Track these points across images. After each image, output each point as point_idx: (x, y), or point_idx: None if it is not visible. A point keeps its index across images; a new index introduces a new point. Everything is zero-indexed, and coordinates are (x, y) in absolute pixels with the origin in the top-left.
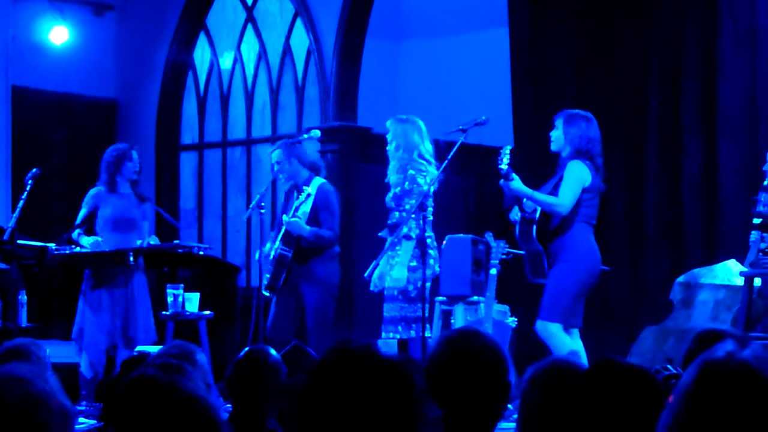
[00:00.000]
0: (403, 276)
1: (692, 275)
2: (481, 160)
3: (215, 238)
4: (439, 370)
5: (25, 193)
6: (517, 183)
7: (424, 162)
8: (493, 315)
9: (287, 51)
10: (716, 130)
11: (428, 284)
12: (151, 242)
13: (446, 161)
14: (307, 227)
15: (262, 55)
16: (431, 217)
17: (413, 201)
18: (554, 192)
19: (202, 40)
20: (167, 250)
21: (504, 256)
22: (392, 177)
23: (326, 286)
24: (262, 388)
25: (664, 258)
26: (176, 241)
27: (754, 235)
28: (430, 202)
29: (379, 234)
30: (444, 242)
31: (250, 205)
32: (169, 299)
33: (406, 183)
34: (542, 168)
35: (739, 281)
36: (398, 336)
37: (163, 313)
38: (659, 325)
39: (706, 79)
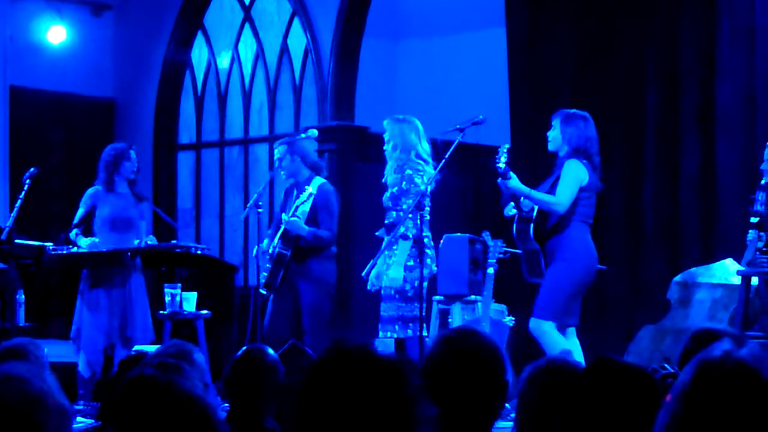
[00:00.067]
0: (400, 275)
1: (689, 274)
2: (478, 159)
3: (213, 237)
4: (437, 369)
5: (23, 192)
6: (514, 182)
7: (422, 162)
8: (490, 314)
9: (285, 50)
10: (714, 129)
11: (425, 283)
12: (149, 242)
13: (443, 160)
14: (306, 227)
15: (260, 54)
16: (428, 217)
17: (410, 201)
18: (551, 191)
19: (199, 39)
20: (165, 250)
21: (501, 256)
22: (389, 177)
23: (322, 285)
24: (260, 387)
25: (662, 257)
26: (174, 241)
27: (751, 234)
28: (427, 201)
29: (376, 233)
30: (441, 241)
31: (248, 205)
32: (167, 298)
33: (404, 183)
34: (539, 167)
35: (737, 280)
36: (395, 335)
37: (161, 312)
38: (656, 324)
39: (704, 78)
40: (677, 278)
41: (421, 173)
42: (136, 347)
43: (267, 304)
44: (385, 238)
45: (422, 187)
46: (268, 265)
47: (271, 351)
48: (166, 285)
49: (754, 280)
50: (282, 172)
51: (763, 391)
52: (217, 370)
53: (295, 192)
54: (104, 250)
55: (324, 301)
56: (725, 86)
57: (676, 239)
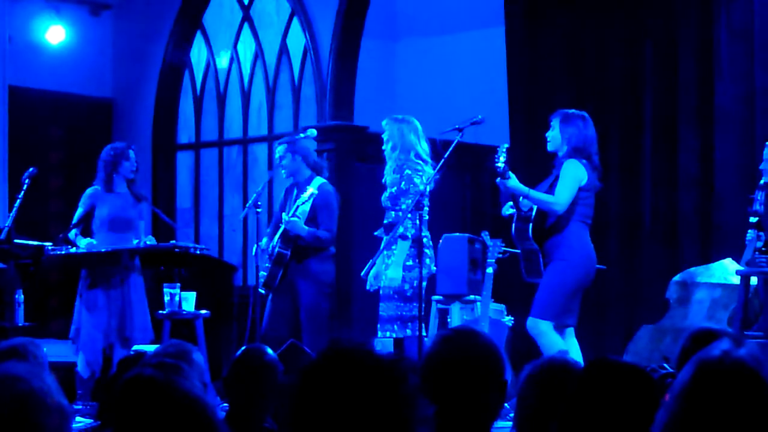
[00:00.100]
0: (398, 275)
1: (688, 274)
2: (477, 159)
3: (212, 237)
4: (436, 368)
5: (22, 192)
6: (513, 181)
7: (421, 162)
8: (489, 314)
9: (284, 50)
10: (713, 128)
11: (424, 283)
12: (148, 242)
13: (442, 160)
14: (305, 228)
15: (259, 54)
16: (427, 217)
17: (409, 201)
18: (550, 191)
19: (198, 39)
20: (163, 250)
21: (500, 255)
22: (388, 177)
23: (320, 285)
24: (259, 387)
25: (661, 257)
26: (173, 241)
27: (750, 233)
28: (426, 201)
29: (375, 233)
30: (440, 241)
31: (247, 205)
32: (166, 298)
33: (403, 183)
34: (538, 167)
35: (736, 280)
36: (394, 335)
37: (160, 312)
38: (655, 324)
39: (702, 78)
40: (676, 278)
41: (420, 173)
42: (135, 347)
43: (266, 304)
44: (384, 238)
45: (421, 187)
46: (267, 265)
47: (270, 351)
48: (165, 285)
49: (753, 280)
50: (283, 171)
51: (762, 391)
52: (216, 369)
53: (295, 191)
54: (103, 250)
55: (322, 301)
56: (724, 86)
57: (675, 239)
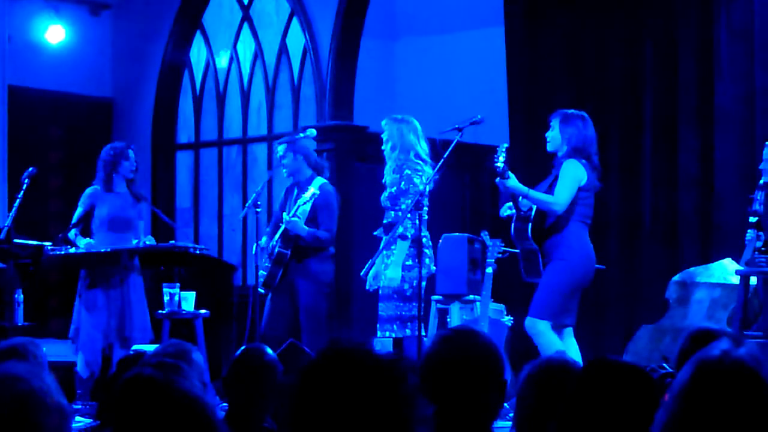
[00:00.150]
0: (398, 275)
1: (688, 274)
2: (476, 158)
3: (211, 237)
4: (435, 368)
5: (22, 192)
6: (512, 181)
7: (421, 162)
8: (489, 314)
9: (283, 50)
10: (712, 128)
11: (423, 283)
12: (147, 242)
13: (442, 160)
14: (306, 228)
15: (258, 54)
16: (426, 217)
17: (409, 201)
18: (550, 191)
19: (198, 39)
20: (163, 250)
21: (500, 255)
22: (388, 177)
23: (319, 285)
24: (259, 387)
25: (660, 256)
26: (172, 241)
27: (750, 233)
28: (425, 201)
29: (375, 233)
30: (440, 241)
31: (246, 204)
32: (166, 298)
33: (402, 183)
34: (538, 166)
35: (735, 280)
36: (393, 335)
37: (160, 311)
38: (655, 324)
39: (702, 78)
40: (676, 278)
41: (420, 173)
42: (135, 347)
43: (265, 304)
44: (384, 238)
45: (421, 187)
46: (267, 264)
47: (269, 350)
48: (164, 284)
49: (753, 280)
50: (284, 171)
51: (761, 391)
52: (216, 369)
53: (295, 191)
54: (102, 250)
55: (321, 301)
56: (724, 86)
57: (675, 239)
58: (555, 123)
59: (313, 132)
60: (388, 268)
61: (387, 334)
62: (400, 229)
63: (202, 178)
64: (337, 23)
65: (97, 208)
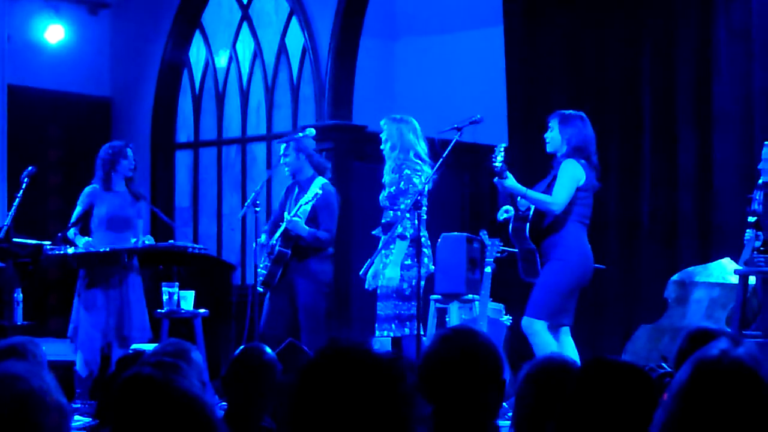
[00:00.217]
0: (396, 275)
1: (687, 273)
2: (475, 158)
3: (210, 236)
4: (434, 368)
5: (21, 191)
6: (510, 181)
7: (420, 162)
8: (488, 313)
9: (282, 49)
10: (711, 128)
11: (422, 282)
12: (146, 241)
13: (441, 160)
14: (306, 228)
15: (258, 53)
16: (425, 216)
17: (408, 201)
18: (548, 191)
19: (197, 38)
20: (162, 249)
21: (499, 254)
22: (387, 177)
23: (318, 284)
24: (258, 386)
25: (659, 256)
26: (171, 241)
27: (748, 233)
28: (424, 201)
29: (373, 232)
30: (439, 240)
31: (246, 204)
32: (165, 297)
33: (402, 183)
34: (537, 166)
35: (734, 279)
36: (392, 334)
37: (159, 311)
38: (654, 324)
39: (700, 78)
40: (674, 277)
41: (420, 173)
42: (134, 346)
43: (264, 303)
44: (382, 238)
45: (420, 187)
46: (266, 263)
47: (268, 350)
48: (163, 283)
49: (752, 280)
50: (286, 169)
51: (760, 390)
52: (215, 368)
53: (296, 190)
54: (101, 249)
55: (320, 300)
56: (722, 86)
57: (674, 238)
58: (554, 124)
59: (312, 131)
60: (387, 268)
61: (385, 333)
62: (399, 229)
63: (201, 178)
64: (336, 23)
65: (96, 207)
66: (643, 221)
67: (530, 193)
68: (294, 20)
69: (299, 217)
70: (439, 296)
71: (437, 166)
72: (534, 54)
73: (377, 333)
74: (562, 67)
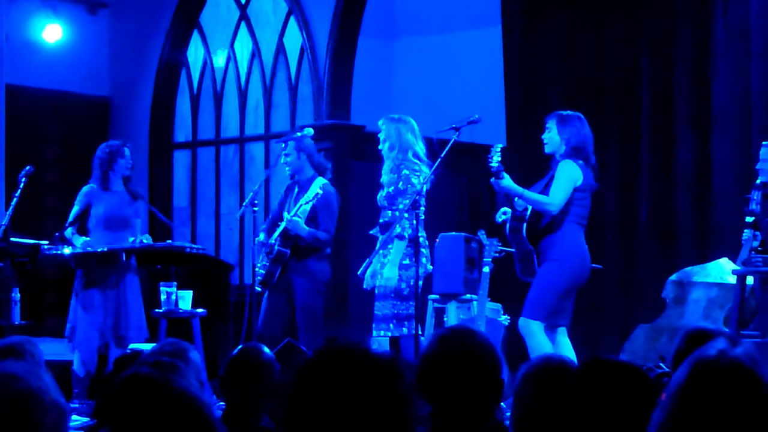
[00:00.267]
0: (394, 275)
1: (685, 273)
2: (473, 158)
3: (208, 235)
4: (432, 367)
5: (19, 190)
6: (507, 181)
7: (419, 162)
8: (485, 313)
9: (281, 49)
10: (709, 128)
11: (420, 282)
12: (144, 241)
13: (439, 159)
14: (306, 228)
15: (256, 53)
16: (423, 216)
17: (407, 201)
18: (545, 191)
19: (195, 38)
20: (160, 249)
21: (497, 254)
22: (386, 176)
23: (316, 284)
24: (256, 386)
25: (657, 256)
26: (169, 241)
27: (746, 233)
28: (422, 201)
29: (370, 232)
30: (437, 240)
31: (244, 203)
32: (162, 297)
33: (400, 183)
34: (535, 166)
35: (732, 279)
36: (389, 334)
37: (156, 310)
38: (652, 323)
39: (698, 78)
40: (673, 277)
41: (418, 173)
42: (132, 345)
43: (261, 302)
44: (380, 237)
45: (418, 187)
46: (265, 262)
47: (266, 350)
48: (161, 283)
49: (750, 280)
50: (287, 168)
51: (758, 390)
52: (213, 368)
53: (296, 190)
54: (99, 249)
55: (316, 299)
56: (720, 86)
57: (672, 238)
58: (552, 124)
59: (310, 131)
60: (385, 268)
61: (382, 333)
62: (398, 229)
63: (199, 177)
64: (334, 23)
65: (94, 206)
66: (641, 221)
67: (527, 193)
68: (292, 20)
69: (299, 216)
70: (437, 296)
71: (435, 166)
72: (532, 54)
73: (374, 333)
74: (560, 67)
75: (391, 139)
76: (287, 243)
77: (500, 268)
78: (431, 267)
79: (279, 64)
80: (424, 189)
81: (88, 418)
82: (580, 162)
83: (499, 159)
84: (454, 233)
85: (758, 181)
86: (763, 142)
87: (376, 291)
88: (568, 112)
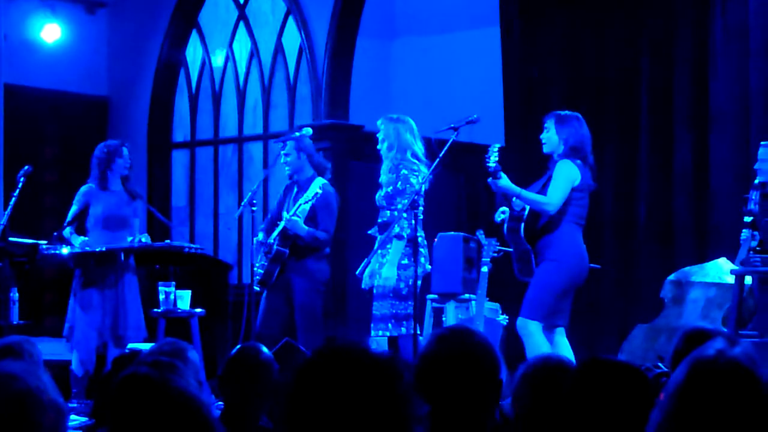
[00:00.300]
0: (393, 275)
1: (683, 273)
2: (472, 158)
3: (207, 235)
4: (431, 367)
5: (17, 190)
6: (504, 181)
7: (417, 162)
8: (484, 313)
9: (279, 49)
10: (708, 128)
11: (419, 282)
12: (143, 240)
13: (437, 159)
14: (305, 227)
15: (254, 53)
16: (421, 216)
17: (405, 201)
18: (543, 191)
19: (194, 38)
20: (158, 249)
21: (495, 254)
22: (384, 176)
23: (314, 283)
24: (254, 386)
25: (655, 256)
26: (168, 240)
27: (744, 233)
28: (421, 201)
29: (369, 232)
30: (435, 240)
31: (242, 203)
32: (161, 296)
33: (399, 183)
34: (534, 166)
35: (730, 279)
36: (388, 333)
37: (155, 310)
38: (650, 323)
39: (697, 78)
40: (671, 277)
41: (417, 173)
42: (131, 345)
43: (260, 302)
44: (379, 237)
45: (417, 187)
46: (263, 262)
47: (265, 349)
48: (160, 283)
49: (748, 280)
50: (286, 168)
51: (756, 390)
52: (212, 368)
53: (295, 190)
54: (97, 248)
55: (314, 299)
56: (719, 86)
57: (670, 238)
58: (550, 124)
59: (309, 131)
60: (384, 267)
61: (380, 333)
62: (396, 229)
63: (197, 177)
64: (332, 22)
65: (92, 206)
66: (639, 221)
67: (524, 193)
68: (291, 20)
69: (298, 216)
70: (436, 296)
71: (434, 165)
72: (531, 54)
73: (373, 332)
74: (559, 67)
75: (389, 139)
76: (286, 242)
77: (499, 268)
78: (430, 267)
79: (277, 64)
80: (423, 189)
81: (86, 418)
82: (578, 162)
83: (497, 159)
84: (452, 233)
85: (757, 181)
86: (762, 142)
87: (375, 291)
88: (567, 112)
